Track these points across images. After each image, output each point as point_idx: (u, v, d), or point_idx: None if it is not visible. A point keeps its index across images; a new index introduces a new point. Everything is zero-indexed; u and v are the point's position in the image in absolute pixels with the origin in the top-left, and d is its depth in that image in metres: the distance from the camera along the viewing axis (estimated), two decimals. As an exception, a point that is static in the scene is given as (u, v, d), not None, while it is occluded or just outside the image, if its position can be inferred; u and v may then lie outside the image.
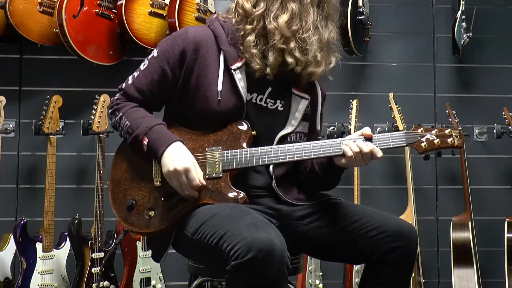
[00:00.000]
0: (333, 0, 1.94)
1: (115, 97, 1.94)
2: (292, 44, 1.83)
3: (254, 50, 1.84)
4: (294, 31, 1.84)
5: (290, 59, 1.84)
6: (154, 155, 1.81)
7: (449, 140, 1.84)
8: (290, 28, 1.84)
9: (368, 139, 1.81)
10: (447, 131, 1.84)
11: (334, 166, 1.87)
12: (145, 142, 1.81)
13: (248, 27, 1.86)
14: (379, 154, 1.79)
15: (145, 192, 1.85)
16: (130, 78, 1.92)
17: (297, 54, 1.84)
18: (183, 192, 1.78)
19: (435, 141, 1.84)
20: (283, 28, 1.82)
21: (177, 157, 1.77)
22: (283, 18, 1.83)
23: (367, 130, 1.83)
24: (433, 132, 1.84)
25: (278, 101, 1.92)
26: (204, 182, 1.78)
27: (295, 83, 1.94)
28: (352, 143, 1.79)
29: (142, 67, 1.90)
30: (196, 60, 1.86)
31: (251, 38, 1.85)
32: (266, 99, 1.91)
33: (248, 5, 1.88)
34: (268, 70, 1.85)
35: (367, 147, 1.78)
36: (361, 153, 1.78)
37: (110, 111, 1.93)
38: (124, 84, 1.93)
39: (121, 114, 1.88)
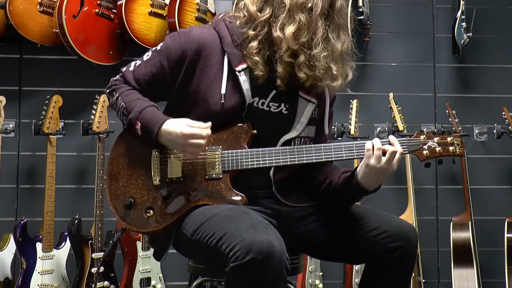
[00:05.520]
0: (343, 9, 1.84)
1: (115, 78, 1.95)
2: (302, 58, 1.76)
3: (256, 58, 1.78)
4: (302, 43, 1.76)
5: (301, 75, 1.78)
6: (149, 139, 1.80)
7: (451, 148, 1.83)
8: (298, 40, 1.75)
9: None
10: (449, 139, 1.83)
11: (358, 189, 1.83)
12: (138, 126, 1.80)
13: (251, 32, 1.80)
14: (400, 149, 1.78)
15: (143, 190, 1.84)
16: (132, 64, 1.92)
17: (305, 69, 1.77)
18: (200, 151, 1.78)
19: (437, 149, 1.83)
20: (289, 40, 1.74)
21: (173, 130, 1.76)
22: (290, 29, 1.74)
23: (393, 139, 1.80)
24: (435, 139, 1.83)
25: (283, 105, 1.87)
26: (209, 124, 1.76)
27: (303, 87, 1.87)
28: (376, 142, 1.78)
29: (145, 57, 1.91)
30: (198, 61, 1.84)
31: (254, 44, 1.78)
32: (269, 103, 1.86)
33: (253, 8, 1.81)
34: (278, 81, 1.80)
35: (391, 147, 1.77)
36: (383, 152, 1.76)
37: (108, 90, 1.94)
38: (125, 69, 1.93)
39: (117, 94, 1.88)
